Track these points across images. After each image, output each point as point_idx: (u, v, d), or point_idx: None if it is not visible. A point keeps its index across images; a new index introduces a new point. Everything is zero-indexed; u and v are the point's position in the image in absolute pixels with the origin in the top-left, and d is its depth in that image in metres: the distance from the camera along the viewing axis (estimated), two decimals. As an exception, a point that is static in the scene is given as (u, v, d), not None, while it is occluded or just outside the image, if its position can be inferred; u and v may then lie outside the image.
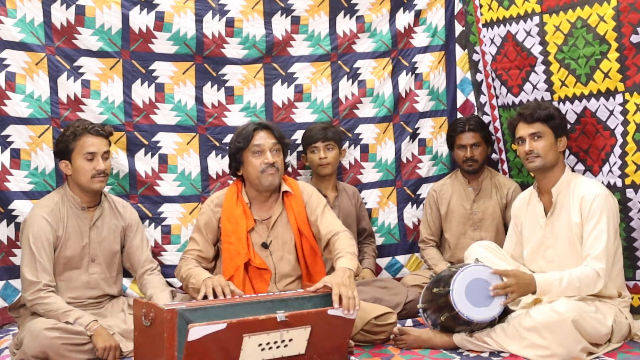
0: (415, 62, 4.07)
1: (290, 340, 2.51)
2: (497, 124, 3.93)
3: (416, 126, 4.08)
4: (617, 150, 3.18)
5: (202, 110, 3.77)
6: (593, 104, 3.27)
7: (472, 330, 2.88)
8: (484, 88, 4.00)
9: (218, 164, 3.79)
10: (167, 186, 3.71)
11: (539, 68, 3.46)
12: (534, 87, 3.51)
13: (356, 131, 3.99)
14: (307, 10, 3.91)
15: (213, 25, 3.74)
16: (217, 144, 3.79)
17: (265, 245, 3.09)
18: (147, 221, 3.65)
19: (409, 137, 4.06)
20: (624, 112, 3.15)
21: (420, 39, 4.08)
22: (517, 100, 3.65)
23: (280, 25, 3.86)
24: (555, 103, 3.41)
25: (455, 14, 4.07)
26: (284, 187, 3.14)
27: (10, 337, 3.15)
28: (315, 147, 3.72)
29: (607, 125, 3.24)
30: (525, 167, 3.18)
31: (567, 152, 3.43)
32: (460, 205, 3.84)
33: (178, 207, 3.72)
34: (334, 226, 3.03)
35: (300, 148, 3.84)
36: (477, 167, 3.80)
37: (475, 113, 4.05)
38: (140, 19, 3.62)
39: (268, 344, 2.47)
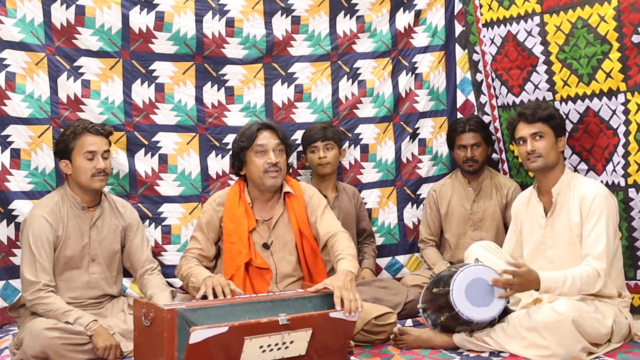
0: (415, 62, 4.07)
1: (292, 342, 2.50)
2: (497, 124, 3.93)
3: (416, 126, 4.08)
4: (620, 150, 3.19)
5: (202, 110, 3.77)
6: (596, 104, 3.27)
7: (472, 330, 2.88)
8: (484, 88, 4.00)
9: (218, 164, 3.79)
10: (167, 186, 3.71)
11: (541, 68, 3.46)
12: (536, 87, 3.51)
13: (356, 131, 3.99)
14: (308, 10, 3.91)
15: (213, 25, 3.74)
16: (217, 144, 3.78)
17: (266, 246, 3.09)
18: (147, 221, 3.65)
19: (409, 137, 4.06)
20: (626, 112, 3.15)
21: (420, 39, 4.08)
22: (517, 100, 3.65)
23: (281, 25, 3.86)
24: (557, 103, 3.41)
25: (455, 14, 4.07)
26: (286, 188, 3.14)
27: (10, 337, 3.15)
28: (315, 147, 3.72)
29: (610, 125, 3.24)
30: (525, 167, 3.18)
31: (571, 151, 3.43)
32: (460, 205, 3.84)
33: (178, 207, 3.72)
34: (332, 227, 3.03)
35: (301, 148, 3.84)
36: (477, 168, 3.80)
37: (475, 113, 4.05)
38: (140, 19, 3.62)
39: (269, 346, 2.47)
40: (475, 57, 4.00)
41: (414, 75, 4.06)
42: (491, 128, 3.94)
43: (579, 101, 3.34)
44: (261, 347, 2.45)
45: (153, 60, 3.68)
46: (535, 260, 3.15)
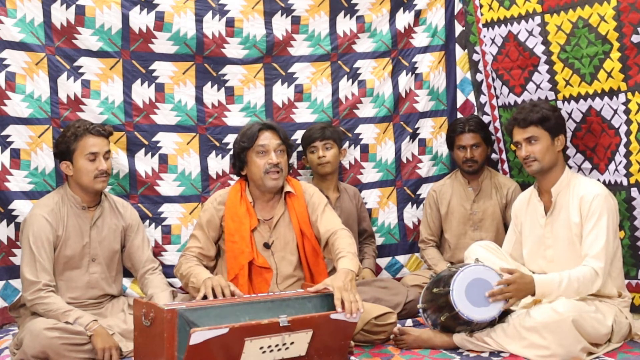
0: (415, 62, 4.06)
1: (292, 343, 2.50)
2: (497, 124, 3.93)
3: (416, 126, 4.08)
4: (622, 150, 3.19)
5: (202, 110, 3.77)
6: (598, 103, 3.27)
7: (472, 330, 2.88)
8: (484, 88, 3.99)
9: (218, 164, 3.79)
10: (167, 186, 3.71)
11: (542, 68, 3.46)
12: (538, 86, 3.51)
13: (356, 131, 3.99)
14: (308, 10, 3.91)
15: (213, 25, 3.74)
16: (217, 144, 3.78)
17: (267, 246, 3.08)
18: (147, 221, 3.65)
19: (409, 137, 4.06)
20: (627, 112, 3.15)
21: (420, 39, 4.08)
22: (519, 100, 3.65)
23: (281, 25, 3.86)
24: (559, 102, 3.41)
25: (455, 14, 4.07)
26: (287, 188, 3.14)
27: (10, 337, 3.15)
28: (314, 147, 3.72)
29: (612, 124, 3.24)
30: (525, 169, 3.18)
31: (575, 150, 3.43)
32: (460, 206, 3.84)
33: (178, 207, 3.72)
34: (333, 225, 3.03)
35: (300, 148, 3.84)
36: (477, 168, 3.80)
37: (475, 113, 4.05)
38: (140, 19, 3.62)
39: (269, 347, 2.47)
40: (475, 57, 4.00)
41: (414, 75, 4.06)
42: (491, 128, 3.94)
43: (581, 100, 3.34)
44: (261, 348, 2.45)
45: (153, 60, 3.68)
46: (535, 260, 3.15)
